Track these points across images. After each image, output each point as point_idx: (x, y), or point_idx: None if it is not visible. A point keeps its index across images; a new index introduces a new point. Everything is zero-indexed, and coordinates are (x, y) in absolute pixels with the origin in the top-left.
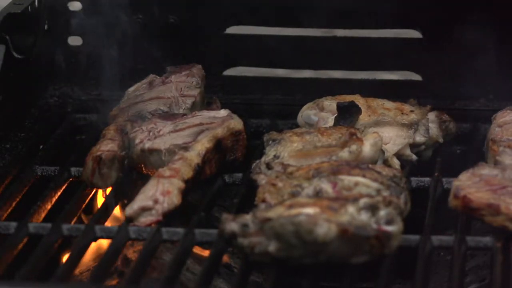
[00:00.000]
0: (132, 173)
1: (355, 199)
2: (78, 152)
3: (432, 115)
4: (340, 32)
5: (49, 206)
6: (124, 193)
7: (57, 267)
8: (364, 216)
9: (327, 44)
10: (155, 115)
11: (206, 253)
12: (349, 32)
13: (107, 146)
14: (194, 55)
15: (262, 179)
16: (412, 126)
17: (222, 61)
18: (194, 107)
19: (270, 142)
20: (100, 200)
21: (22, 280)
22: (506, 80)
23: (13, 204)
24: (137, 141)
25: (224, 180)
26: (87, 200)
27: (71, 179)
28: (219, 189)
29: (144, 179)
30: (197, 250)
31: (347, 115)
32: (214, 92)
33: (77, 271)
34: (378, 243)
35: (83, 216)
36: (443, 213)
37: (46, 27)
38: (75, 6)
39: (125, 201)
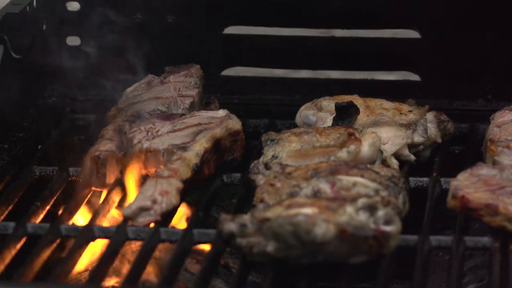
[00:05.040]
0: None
1: (353, 199)
2: (76, 152)
3: (430, 115)
4: (338, 32)
5: (47, 207)
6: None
7: (56, 267)
8: (363, 216)
9: (325, 44)
10: (154, 115)
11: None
12: (347, 32)
13: (105, 146)
14: (192, 55)
15: (260, 179)
16: (410, 126)
17: (221, 61)
18: (192, 107)
19: (269, 142)
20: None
21: (20, 280)
22: (505, 80)
23: (12, 204)
24: (135, 141)
25: (223, 180)
26: (85, 201)
27: (69, 179)
28: (217, 189)
29: (142, 179)
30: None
31: (345, 115)
32: (212, 92)
33: (75, 271)
34: (377, 243)
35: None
36: (441, 213)
37: (44, 27)
38: (74, 6)
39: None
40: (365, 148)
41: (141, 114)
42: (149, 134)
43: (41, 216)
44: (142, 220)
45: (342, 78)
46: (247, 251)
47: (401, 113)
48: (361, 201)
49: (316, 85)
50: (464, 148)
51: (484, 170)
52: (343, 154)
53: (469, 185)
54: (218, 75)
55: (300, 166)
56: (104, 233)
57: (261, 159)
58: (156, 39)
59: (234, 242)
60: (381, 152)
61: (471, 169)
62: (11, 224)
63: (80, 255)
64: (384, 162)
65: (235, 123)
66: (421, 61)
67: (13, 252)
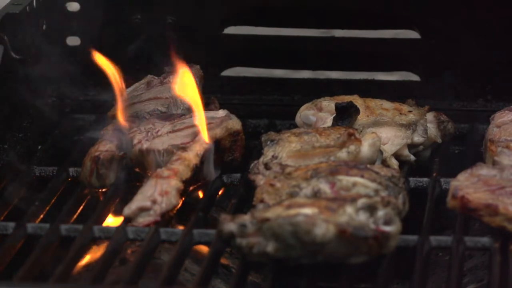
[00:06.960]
0: (130, 174)
1: (353, 200)
2: (76, 153)
3: (430, 116)
4: (338, 33)
5: (47, 207)
6: (122, 193)
7: (56, 267)
8: (362, 217)
9: (326, 45)
10: (153, 116)
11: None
12: (347, 33)
13: (105, 147)
14: (192, 55)
15: (260, 180)
16: (410, 126)
17: (220, 62)
18: None
19: (268, 142)
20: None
21: (20, 280)
22: (505, 80)
23: (12, 204)
24: (135, 141)
25: (223, 180)
26: (85, 201)
27: (69, 179)
28: (217, 190)
29: (142, 180)
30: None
31: (345, 115)
32: (212, 93)
33: (75, 271)
34: (376, 243)
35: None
36: (441, 213)
37: (44, 27)
38: (74, 6)
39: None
40: (365, 148)
41: (140, 115)
42: (149, 134)
43: (41, 216)
44: (142, 220)
45: (342, 78)
46: (247, 251)
47: (401, 114)
48: (361, 201)
49: (316, 85)
50: (464, 148)
51: (484, 170)
52: (343, 154)
53: (469, 185)
54: (218, 75)
55: (300, 166)
56: (104, 233)
57: (261, 159)
58: (156, 39)
59: (234, 242)
60: (381, 152)
61: (471, 169)
62: (11, 224)
63: (80, 255)
64: (384, 162)
65: (235, 123)
66: (421, 61)
67: (13, 252)
